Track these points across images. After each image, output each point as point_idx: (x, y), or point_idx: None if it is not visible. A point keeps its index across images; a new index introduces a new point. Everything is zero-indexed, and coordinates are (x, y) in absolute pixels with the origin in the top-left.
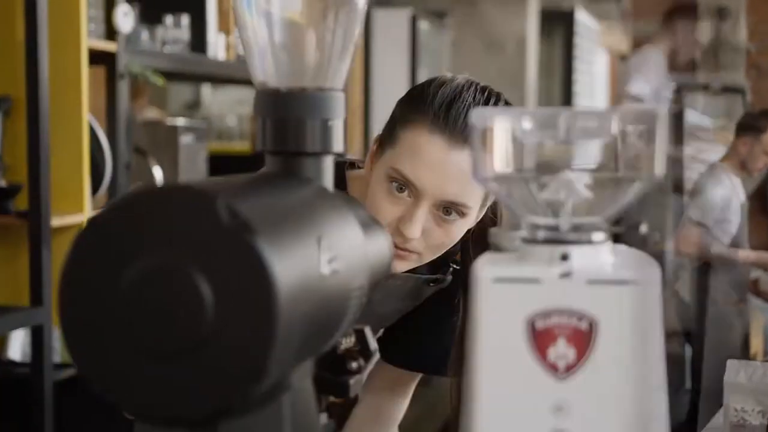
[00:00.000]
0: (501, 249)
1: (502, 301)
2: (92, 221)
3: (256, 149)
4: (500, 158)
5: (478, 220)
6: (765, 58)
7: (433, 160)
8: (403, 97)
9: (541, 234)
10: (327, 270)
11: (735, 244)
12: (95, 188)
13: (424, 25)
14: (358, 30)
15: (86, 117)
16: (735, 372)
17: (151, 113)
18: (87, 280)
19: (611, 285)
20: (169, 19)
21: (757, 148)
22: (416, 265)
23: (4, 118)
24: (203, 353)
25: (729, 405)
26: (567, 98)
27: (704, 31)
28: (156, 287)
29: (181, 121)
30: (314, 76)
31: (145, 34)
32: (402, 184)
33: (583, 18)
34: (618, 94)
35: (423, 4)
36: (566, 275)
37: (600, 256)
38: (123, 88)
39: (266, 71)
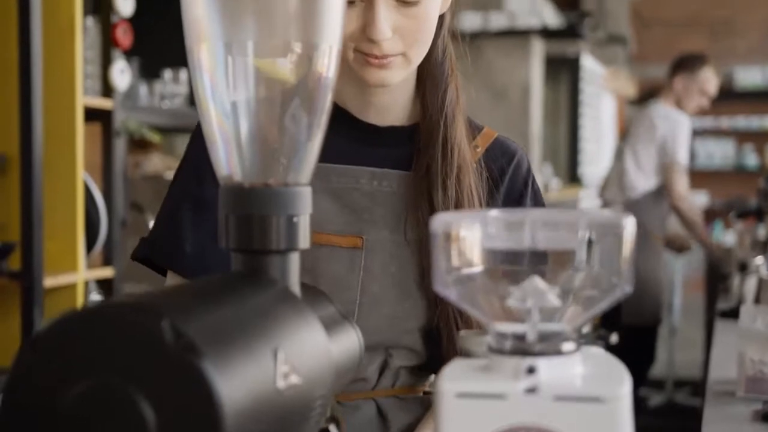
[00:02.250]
0: (470, 354)
1: (465, 417)
2: (34, 339)
3: (219, 245)
4: (464, 264)
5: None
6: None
7: None
8: None
9: (508, 344)
10: (284, 384)
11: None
12: (90, 246)
13: None
14: (324, 120)
15: (81, 175)
16: (751, 318)
17: (158, 160)
18: (28, 400)
19: (580, 402)
20: (168, 74)
21: (692, 86)
22: (407, 71)
23: None
24: None
25: (745, 355)
26: (573, 144)
27: (709, 79)
28: (97, 410)
29: None
30: (279, 171)
31: (143, 89)
32: None
33: (588, 63)
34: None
35: None
36: (532, 390)
37: (569, 368)
38: (119, 145)
39: (231, 165)
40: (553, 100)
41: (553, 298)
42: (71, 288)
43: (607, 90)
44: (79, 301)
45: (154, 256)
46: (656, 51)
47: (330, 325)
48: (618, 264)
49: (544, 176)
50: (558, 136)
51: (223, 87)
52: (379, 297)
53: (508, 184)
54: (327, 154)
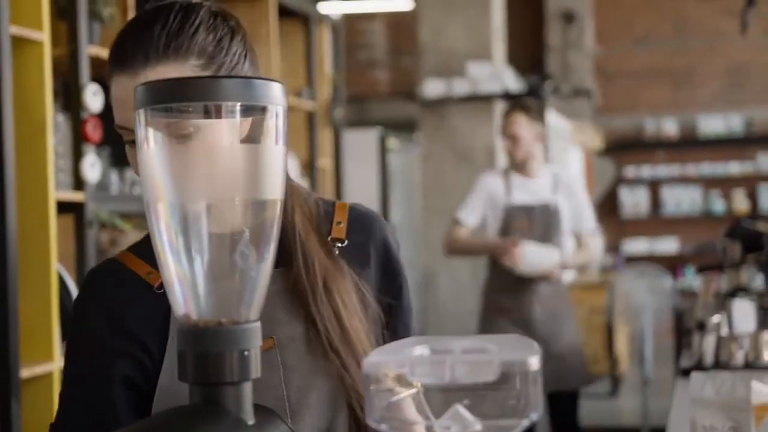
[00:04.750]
0: None
1: None
2: None
3: (179, 378)
4: (393, 398)
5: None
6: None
7: (128, 96)
8: None
9: None
10: None
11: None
12: (65, 334)
13: (393, 142)
14: (270, 262)
15: (55, 267)
16: (701, 385)
17: (134, 237)
18: None
19: None
20: None
21: (505, 137)
22: None
23: None
24: None
25: (696, 422)
26: None
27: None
28: None
29: None
30: (231, 310)
31: (115, 177)
32: (126, 134)
33: (553, 119)
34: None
35: (393, 120)
36: None
37: None
38: (91, 235)
39: (187, 306)
40: None
41: (474, 424)
42: (47, 377)
43: (574, 143)
44: (56, 390)
45: None
46: (621, 102)
47: None
48: (527, 393)
49: None
50: None
51: (178, 239)
52: (303, 386)
53: (375, 256)
54: None
